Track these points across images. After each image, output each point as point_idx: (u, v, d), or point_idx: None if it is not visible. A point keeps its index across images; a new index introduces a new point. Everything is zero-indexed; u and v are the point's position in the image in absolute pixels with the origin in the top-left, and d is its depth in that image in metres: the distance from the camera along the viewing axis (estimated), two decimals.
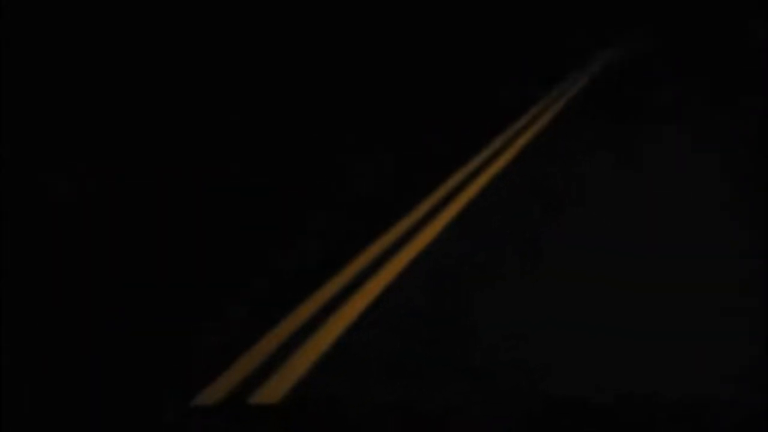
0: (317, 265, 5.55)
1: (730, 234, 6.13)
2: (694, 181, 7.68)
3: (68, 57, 14.90)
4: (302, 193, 7.45)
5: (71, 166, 8.50)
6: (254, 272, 5.43)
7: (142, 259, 5.73)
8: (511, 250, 5.83)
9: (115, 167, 8.45)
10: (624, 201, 7.04)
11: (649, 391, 3.75)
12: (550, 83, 14.52)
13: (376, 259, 5.66)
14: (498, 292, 5.04)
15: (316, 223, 6.52)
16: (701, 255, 5.67)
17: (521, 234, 6.19)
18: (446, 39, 22.60)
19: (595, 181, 7.73)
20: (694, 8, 31.93)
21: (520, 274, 5.33)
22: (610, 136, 9.82)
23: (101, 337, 4.42)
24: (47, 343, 4.35)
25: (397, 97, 13.33)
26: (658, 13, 31.63)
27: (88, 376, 3.97)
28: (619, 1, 32.06)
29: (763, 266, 5.43)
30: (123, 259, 5.71)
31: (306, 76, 15.76)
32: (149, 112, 11.75)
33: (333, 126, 10.80)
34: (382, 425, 1.75)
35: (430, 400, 3.64)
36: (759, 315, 4.64)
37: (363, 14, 22.16)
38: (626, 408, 1.81)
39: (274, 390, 3.86)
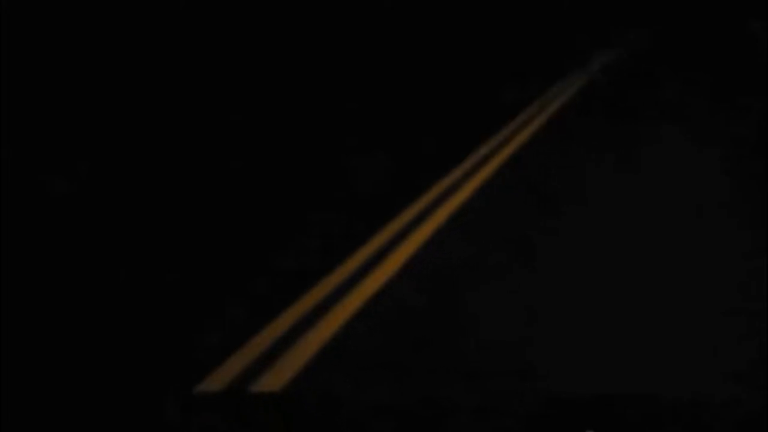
0: (317, 261, 5.54)
1: (730, 234, 6.12)
2: (694, 180, 7.68)
3: (68, 57, 14.90)
4: (301, 190, 7.45)
5: (70, 165, 8.49)
6: (255, 269, 5.43)
7: (141, 258, 5.73)
8: (508, 250, 5.82)
9: (114, 167, 8.45)
10: (623, 200, 7.03)
11: (649, 390, 3.74)
12: (549, 83, 14.51)
13: (373, 257, 5.65)
14: (494, 292, 5.03)
15: (315, 221, 6.52)
16: (701, 255, 5.66)
17: (518, 234, 6.18)
18: (446, 39, 22.60)
19: (594, 180, 7.73)
20: (694, 9, 31.95)
21: (516, 275, 5.32)
22: (609, 136, 9.81)
23: (100, 330, 4.42)
24: (46, 342, 4.35)
25: (397, 96, 13.33)
26: (659, 14, 31.65)
27: (88, 369, 3.96)
28: (619, 2, 32.09)
29: (763, 266, 5.42)
30: (122, 257, 5.72)
31: (306, 76, 15.75)
32: (150, 113, 11.75)
33: (333, 126, 10.79)
34: (378, 423, 1.74)
35: (425, 398, 3.64)
36: (759, 315, 4.63)
37: (364, 14, 22.16)
38: (626, 407, 1.80)
39: (272, 382, 3.85)
